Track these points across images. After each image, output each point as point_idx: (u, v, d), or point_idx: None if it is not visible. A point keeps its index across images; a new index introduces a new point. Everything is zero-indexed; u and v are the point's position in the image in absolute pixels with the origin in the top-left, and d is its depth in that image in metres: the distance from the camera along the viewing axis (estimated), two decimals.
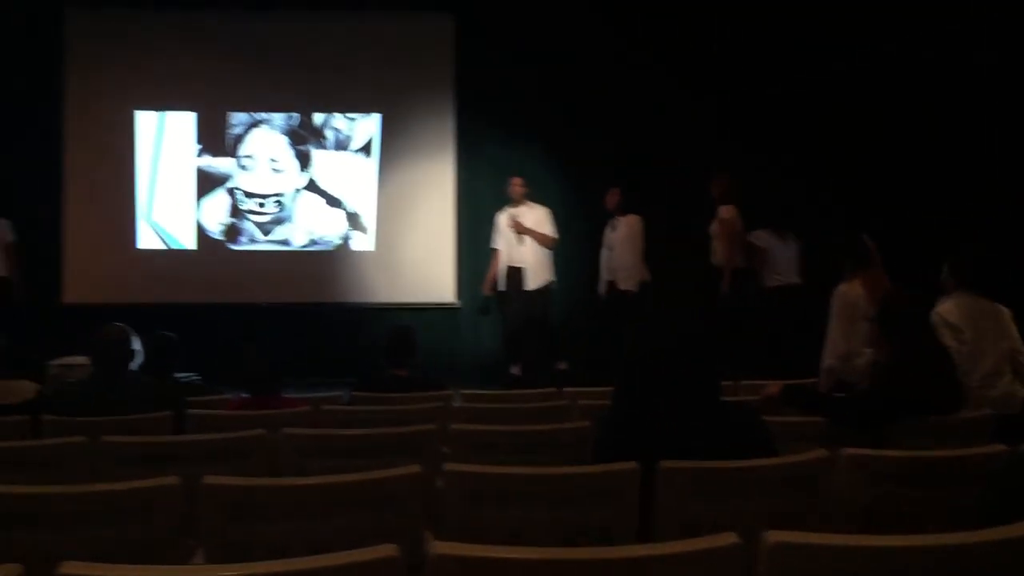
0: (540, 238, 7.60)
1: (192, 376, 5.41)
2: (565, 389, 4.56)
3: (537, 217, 7.66)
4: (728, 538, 1.58)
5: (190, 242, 8.32)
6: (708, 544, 1.58)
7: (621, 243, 7.51)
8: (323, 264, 8.39)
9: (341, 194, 8.39)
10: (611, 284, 7.59)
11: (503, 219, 7.69)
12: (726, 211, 7.33)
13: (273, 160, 8.35)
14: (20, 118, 8.06)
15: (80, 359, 6.50)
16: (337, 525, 2.14)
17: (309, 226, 8.37)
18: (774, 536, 1.60)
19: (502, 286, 7.73)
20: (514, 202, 7.67)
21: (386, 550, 1.48)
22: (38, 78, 8.12)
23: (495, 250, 7.77)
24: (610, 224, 7.65)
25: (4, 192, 7.69)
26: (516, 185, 7.65)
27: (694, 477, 2.30)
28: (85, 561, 1.50)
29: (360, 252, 8.43)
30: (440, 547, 1.54)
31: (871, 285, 4.70)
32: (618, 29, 8.26)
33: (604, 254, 7.68)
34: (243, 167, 8.33)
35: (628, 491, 2.31)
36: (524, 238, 7.60)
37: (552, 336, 7.67)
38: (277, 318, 8.08)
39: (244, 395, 4.10)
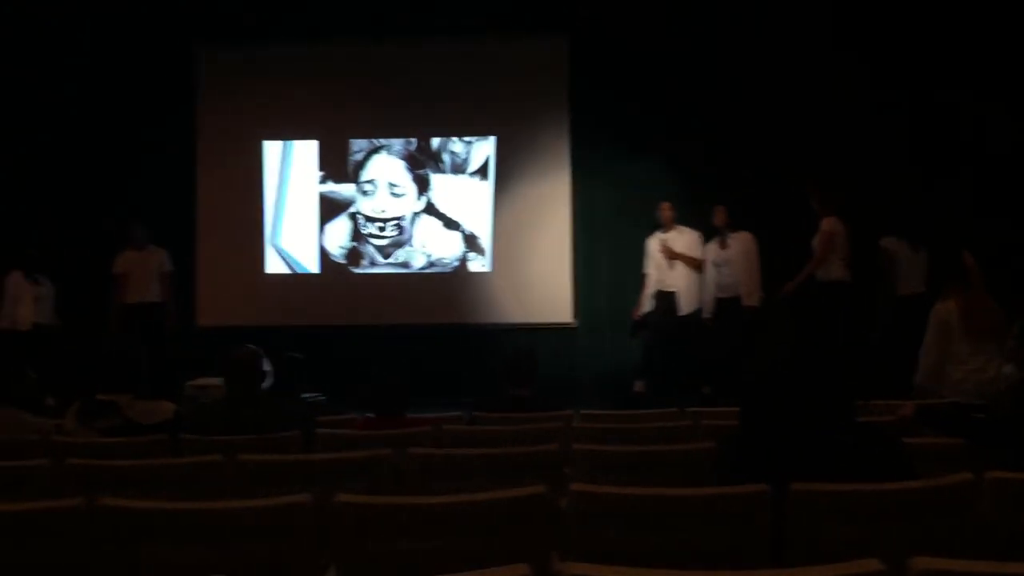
0: (690, 262, 7.64)
1: (317, 396, 5.57)
2: (687, 409, 4.49)
3: (687, 241, 7.71)
4: (871, 564, 1.52)
5: (314, 266, 8.59)
6: (850, 570, 1.52)
7: (737, 260, 7.46)
8: (441, 286, 8.52)
9: (458, 216, 8.52)
10: (722, 301, 7.54)
11: (653, 244, 7.75)
12: (827, 223, 7.11)
13: (392, 185, 8.55)
14: (155, 151, 8.51)
15: (213, 380, 6.78)
16: (465, 544, 2.15)
17: (428, 248, 8.52)
18: (921, 563, 1.53)
19: (648, 308, 7.80)
20: (664, 227, 7.74)
21: (519, 570, 1.48)
22: (171, 113, 8.55)
23: (646, 275, 7.83)
24: (718, 241, 7.61)
25: (143, 220, 8.13)
26: (665, 210, 7.73)
27: (829, 499, 2.22)
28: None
29: (477, 273, 8.52)
30: (572, 568, 1.54)
31: (964, 305, 4.56)
32: (731, 46, 8.16)
33: (711, 272, 7.62)
34: (364, 192, 8.56)
35: (758, 513, 2.24)
36: (675, 263, 7.65)
37: (697, 360, 7.63)
38: (397, 339, 8.23)
39: (369, 415, 4.18)
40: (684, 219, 8.08)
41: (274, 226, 8.61)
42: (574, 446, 3.27)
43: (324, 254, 8.58)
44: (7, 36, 8.30)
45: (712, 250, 7.64)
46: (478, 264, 8.52)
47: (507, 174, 8.49)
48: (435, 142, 8.56)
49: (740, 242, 7.50)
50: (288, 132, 8.62)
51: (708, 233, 7.79)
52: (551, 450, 3.24)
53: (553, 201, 8.46)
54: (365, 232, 8.54)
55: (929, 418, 3.34)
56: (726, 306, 7.54)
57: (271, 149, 8.62)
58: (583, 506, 2.28)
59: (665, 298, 7.68)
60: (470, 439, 3.68)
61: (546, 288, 8.43)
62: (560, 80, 8.46)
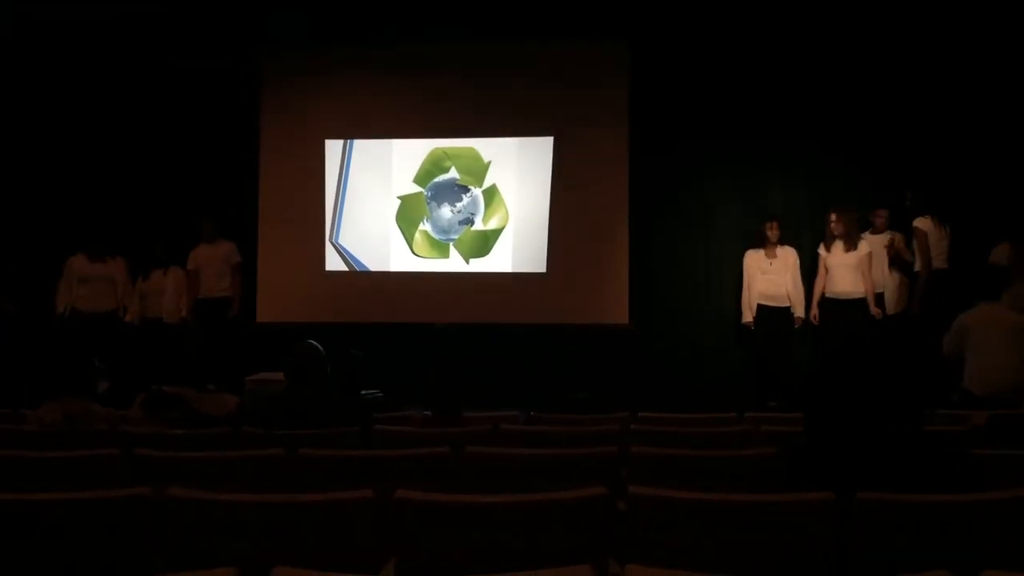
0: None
1: (376, 393, 5.61)
2: (747, 414, 4.44)
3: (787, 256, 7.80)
4: None
5: (374, 264, 8.67)
6: None
7: (783, 272, 7.68)
8: (498, 285, 8.53)
9: (516, 217, 8.53)
10: (767, 309, 7.70)
11: (751, 258, 7.81)
12: (920, 222, 7.20)
13: (453, 185, 8.59)
14: (221, 151, 8.70)
15: (273, 375, 6.89)
16: (524, 543, 2.15)
17: (486, 248, 8.55)
18: None
19: (748, 317, 7.83)
20: (770, 244, 7.77)
21: (581, 571, 1.48)
22: (235, 116, 8.69)
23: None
24: (768, 253, 7.76)
25: (210, 217, 8.32)
26: (774, 228, 7.77)
27: (895, 509, 2.17)
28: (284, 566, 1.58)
29: (534, 274, 8.51)
30: (631, 571, 1.53)
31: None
32: (790, 52, 8.10)
33: (760, 279, 7.74)
34: (425, 192, 8.61)
35: (822, 522, 2.21)
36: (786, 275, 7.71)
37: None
38: (455, 338, 8.28)
39: (427, 413, 4.21)
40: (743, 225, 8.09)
41: (334, 224, 8.71)
42: (632, 449, 3.25)
43: (384, 252, 8.65)
44: (87, 43, 8.54)
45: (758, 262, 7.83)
46: (535, 265, 8.51)
47: (565, 176, 8.46)
48: (494, 142, 8.57)
49: (788, 255, 7.74)
50: (349, 131, 8.71)
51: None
52: (609, 452, 3.22)
53: (610, 204, 8.40)
54: (423, 230, 8.60)
55: (1002, 429, 3.24)
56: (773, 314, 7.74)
57: (332, 148, 8.72)
58: (642, 509, 2.27)
59: (775, 312, 7.73)
60: (527, 439, 3.69)
61: (602, 289, 8.40)
62: (620, 84, 8.41)
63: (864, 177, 8.03)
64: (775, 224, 7.71)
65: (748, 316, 7.76)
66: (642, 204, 8.41)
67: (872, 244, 7.49)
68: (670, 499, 2.26)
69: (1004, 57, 7.58)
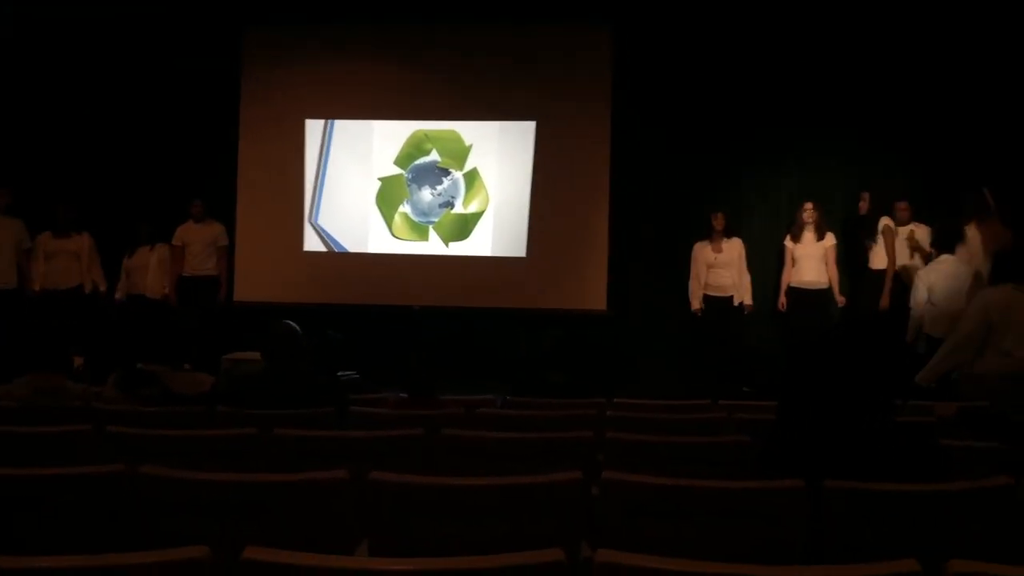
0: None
1: (352, 374, 5.60)
2: (721, 402, 4.47)
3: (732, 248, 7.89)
4: (909, 565, 1.51)
5: (352, 245, 8.64)
6: (889, 570, 1.51)
7: (728, 263, 7.81)
8: (477, 269, 8.53)
9: (495, 200, 8.52)
10: (712, 299, 7.86)
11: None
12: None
13: (431, 167, 8.56)
14: (200, 128, 8.62)
15: (249, 354, 6.87)
16: (496, 526, 2.16)
17: (465, 232, 8.53)
18: (958, 566, 1.51)
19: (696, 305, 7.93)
20: (716, 234, 7.88)
21: (553, 554, 1.49)
22: (216, 91, 8.64)
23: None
24: (712, 246, 7.85)
25: (186, 195, 8.25)
26: (719, 219, 7.85)
27: (864, 498, 2.20)
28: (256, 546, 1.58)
29: (513, 258, 8.52)
30: (604, 555, 1.54)
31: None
32: (775, 35, 8.11)
33: (703, 271, 7.85)
34: (404, 173, 8.58)
35: (793, 509, 2.23)
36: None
37: None
38: (432, 321, 8.28)
39: (402, 395, 4.21)
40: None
41: (314, 204, 8.66)
42: (607, 434, 3.27)
43: (363, 234, 8.62)
44: (69, 23, 8.45)
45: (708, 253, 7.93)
46: (514, 248, 8.51)
47: (546, 160, 8.46)
48: (475, 125, 8.55)
49: (733, 247, 7.84)
50: (330, 111, 8.66)
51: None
52: (585, 437, 3.23)
53: (591, 188, 8.43)
54: (403, 212, 8.57)
55: (970, 420, 3.29)
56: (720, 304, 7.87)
57: (313, 128, 8.66)
58: (615, 494, 2.28)
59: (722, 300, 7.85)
60: (503, 423, 3.70)
61: (581, 274, 8.42)
62: (602, 68, 8.42)
63: (854, 165, 8.10)
64: (720, 215, 7.80)
65: (695, 304, 7.87)
66: (623, 189, 8.42)
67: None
68: (642, 484, 2.28)
69: None
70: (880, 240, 7.40)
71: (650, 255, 8.36)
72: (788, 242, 7.70)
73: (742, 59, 8.16)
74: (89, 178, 8.55)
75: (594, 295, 8.41)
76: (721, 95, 8.22)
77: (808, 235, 7.57)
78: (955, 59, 7.76)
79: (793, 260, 7.65)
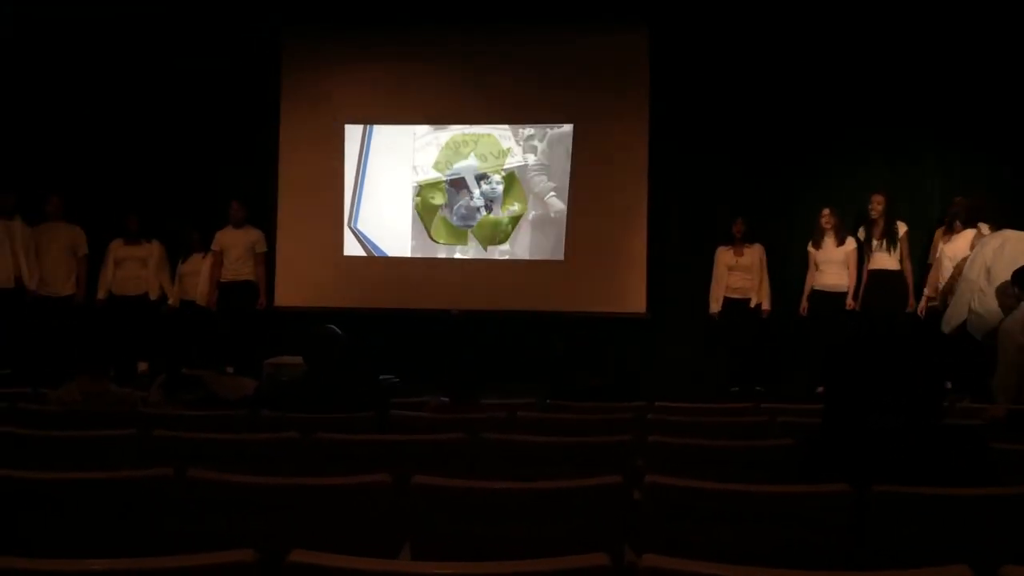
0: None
1: (392, 378, 5.62)
2: (762, 405, 4.42)
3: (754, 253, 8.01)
4: (961, 571, 1.48)
5: (392, 250, 8.68)
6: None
7: (749, 268, 7.93)
8: (515, 273, 8.53)
9: (533, 204, 8.52)
10: (730, 301, 7.97)
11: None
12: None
13: (470, 171, 8.58)
14: (242, 134, 8.73)
15: (291, 359, 6.93)
16: (539, 530, 2.16)
17: (502, 236, 8.54)
18: (1012, 572, 1.48)
19: (715, 308, 8.05)
20: (737, 241, 7.98)
21: (597, 558, 1.48)
22: (257, 98, 8.73)
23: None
24: (735, 250, 7.98)
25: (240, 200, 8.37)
26: (739, 226, 7.97)
27: (912, 502, 2.16)
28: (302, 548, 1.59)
29: (552, 262, 8.51)
30: (649, 560, 1.53)
31: None
32: (813, 41, 8.05)
33: (724, 274, 7.97)
34: (443, 178, 8.61)
35: (839, 513, 2.20)
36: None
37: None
38: (472, 324, 8.29)
39: (443, 399, 4.22)
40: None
41: (353, 209, 8.72)
42: (648, 438, 3.25)
43: (402, 238, 8.65)
44: (113, 35, 8.60)
45: (729, 256, 8.03)
46: (552, 252, 8.51)
47: (584, 163, 8.45)
48: (513, 130, 8.56)
49: (752, 253, 7.96)
50: (370, 116, 8.71)
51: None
52: (625, 441, 3.22)
53: (629, 191, 8.39)
54: (442, 216, 8.60)
55: (1021, 422, 3.22)
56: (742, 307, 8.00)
57: (352, 133, 8.73)
58: (658, 498, 2.26)
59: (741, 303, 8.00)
60: (544, 426, 3.69)
61: (620, 277, 8.39)
62: (640, 71, 8.39)
63: (896, 168, 7.99)
64: (740, 221, 7.92)
65: (715, 307, 8.00)
66: (661, 191, 8.38)
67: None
68: (686, 489, 2.26)
69: None
70: (900, 245, 7.45)
71: (689, 258, 8.31)
72: (810, 247, 7.78)
73: (780, 60, 8.10)
74: (135, 185, 8.69)
75: (633, 298, 8.37)
76: (760, 96, 8.16)
77: (829, 240, 7.67)
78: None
79: (816, 265, 7.72)
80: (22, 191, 8.16)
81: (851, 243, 7.63)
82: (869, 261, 7.53)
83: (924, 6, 7.75)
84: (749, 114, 8.19)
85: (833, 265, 7.64)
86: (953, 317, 5.68)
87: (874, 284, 7.48)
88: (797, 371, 7.72)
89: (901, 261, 7.46)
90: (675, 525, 2.25)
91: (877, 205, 7.47)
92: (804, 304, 7.77)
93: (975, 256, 5.79)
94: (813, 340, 7.62)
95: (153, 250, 8.32)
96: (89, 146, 8.71)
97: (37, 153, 8.57)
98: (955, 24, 7.72)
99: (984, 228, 6.61)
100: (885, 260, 7.45)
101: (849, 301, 7.60)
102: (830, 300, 7.63)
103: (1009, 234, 5.66)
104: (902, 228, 7.49)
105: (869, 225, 7.53)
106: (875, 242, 7.47)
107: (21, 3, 8.33)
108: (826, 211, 7.66)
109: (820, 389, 7.06)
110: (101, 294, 8.29)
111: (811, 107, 8.09)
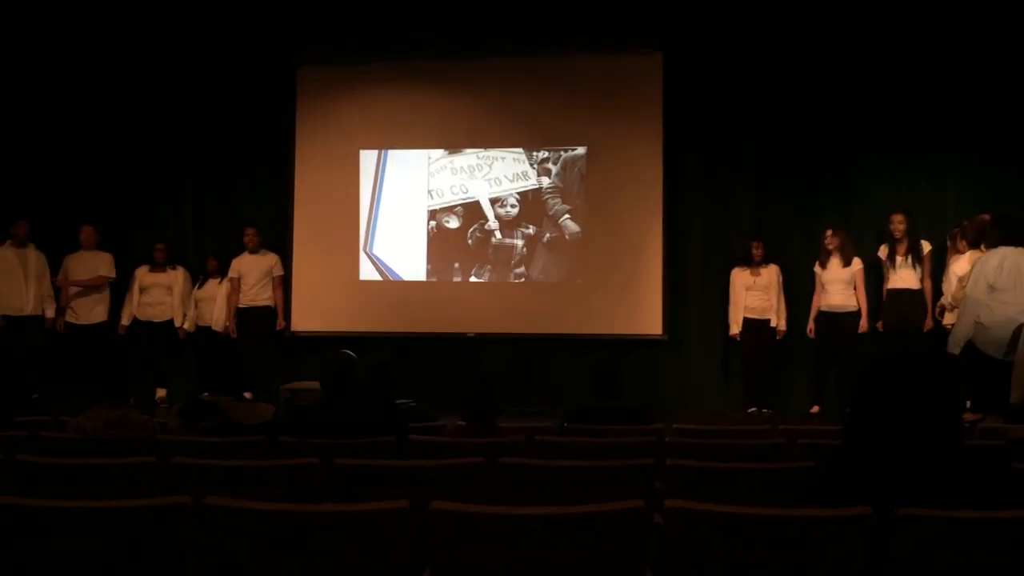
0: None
1: (408, 402, 5.63)
2: (782, 427, 4.40)
3: (770, 273, 8.04)
4: None
5: (407, 274, 8.71)
6: None
7: (767, 288, 7.96)
8: (531, 295, 8.54)
9: (548, 227, 8.54)
10: (749, 321, 7.97)
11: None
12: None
13: (484, 195, 8.61)
14: (258, 160, 8.83)
15: (308, 384, 6.97)
16: (560, 555, 2.15)
17: (518, 259, 8.56)
18: None
19: (735, 330, 8.06)
20: (754, 262, 8.03)
21: None
22: (273, 124, 8.82)
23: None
24: (751, 270, 8.00)
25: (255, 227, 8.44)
26: (758, 248, 8.04)
27: (936, 525, 2.13)
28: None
29: (568, 284, 8.51)
30: None
31: None
32: (825, 60, 8.06)
33: (741, 294, 8.00)
34: (456, 202, 8.64)
35: (861, 537, 2.18)
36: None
37: None
38: (488, 347, 8.30)
39: (460, 422, 4.21)
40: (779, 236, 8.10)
41: (368, 233, 8.76)
42: (668, 461, 3.23)
43: (417, 262, 8.68)
44: (123, 55, 8.70)
45: (744, 277, 8.05)
46: (567, 274, 8.51)
47: (599, 185, 8.47)
48: (527, 153, 8.59)
49: (769, 273, 7.97)
50: (383, 141, 8.77)
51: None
52: (644, 464, 3.20)
53: (645, 213, 8.40)
54: (457, 240, 8.62)
55: None
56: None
57: (367, 158, 8.78)
58: (680, 523, 2.25)
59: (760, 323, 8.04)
60: (562, 450, 3.68)
61: (636, 299, 8.38)
62: (654, 92, 8.41)
63: (912, 191, 8.00)
64: (760, 244, 7.96)
65: (735, 329, 7.99)
66: (677, 213, 8.39)
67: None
68: (707, 513, 2.24)
69: None
70: (924, 263, 7.43)
71: (706, 278, 8.30)
72: (817, 268, 7.80)
73: (793, 83, 8.12)
74: (154, 214, 8.79)
75: (650, 320, 8.36)
76: (774, 116, 8.18)
77: (834, 261, 7.67)
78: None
79: (822, 285, 7.74)
80: (49, 219, 8.25)
81: (857, 263, 7.64)
82: (890, 279, 7.49)
83: (943, 28, 7.74)
84: (763, 134, 8.23)
85: (839, 285, 7.64)
86: (959, 336, 5.74)
87: (896, 302, 7.44)
88: (806, 392, 7.87)
89: (922, 280, 7.42)
90: (697, 550, 2.23)
91: (899, 224, 7.43)
92: (811, 326, 7.78)
93: (976, 276, 5.85)
94: (818, 361, 7.77)
95: (178, 277, 8.42)
96: (108, 176, 8.83)
97: (62, 183, 8.67)
98: (973, 43, 7.72)
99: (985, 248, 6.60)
100: (908, 278, 7.40)
101: (863, 323, 7.58)
102: (836, 320, 7.64)
103: (1007, 251, 5.76)
104: (927, 247, 7.45)
105: (893, 243, 7.48)
106: (899, 259, 7.43)
107: (41, 27, 8.44)
108: (828, 232, 7.68)
109: (815, 409, 7.19)
110: (125, 320, 8.37)
111: (826, 127, 8.10)
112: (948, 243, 7.36)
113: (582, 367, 6.81)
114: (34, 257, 8.10)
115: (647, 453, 3.41)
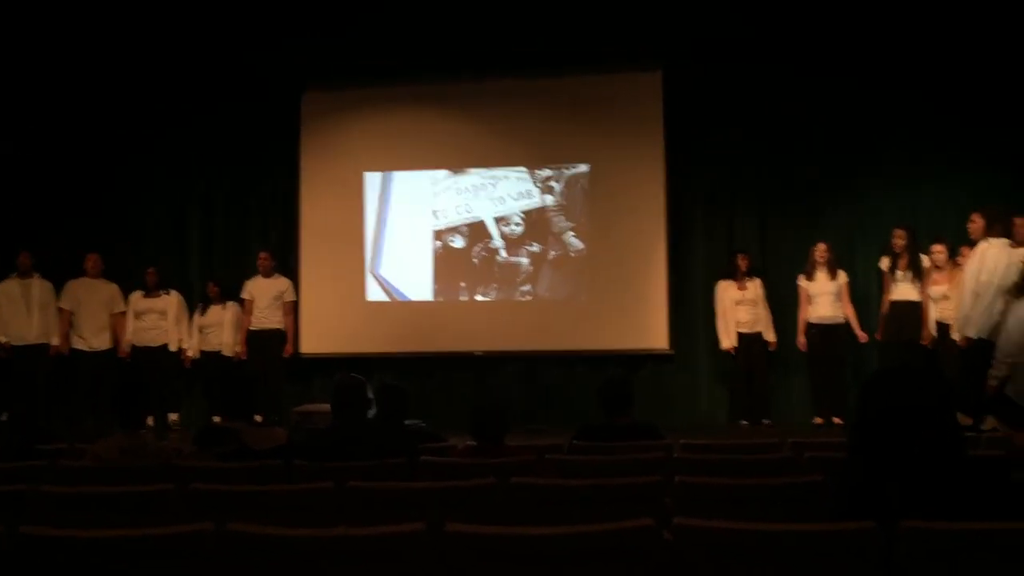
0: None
1: (418, 423, 5.67)
2: (790, 440, 4.44)
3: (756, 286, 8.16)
4: None
5: (414, 294, 8.77)
6: None
7: (755, 301, 8.07)
8: (537, 313, 8.59)
9: (553, 245, 8.60)
10: (743, 336, 8.05)
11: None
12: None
13: (488, 214, 8.68)
14: (262, 184, 8.92)
15: (318, 406, 7.01)
16: (575, 574, 2.20)
17: (523, 277, 8.62)
18: None
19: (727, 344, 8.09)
20: (740, 275, 8.11)
21: None
22: (277, 148, 8.92)
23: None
24: (738, 284, 8.10)
25: (250, 252, 8.52)
26: (745, 260, 8.13)
27: (942, 538, 2.18)
28: None
29: (573, 301, 8.57)
30: None
31: None
32: (824, 77, 8.13)
33: (730, 308, 8.06)
34: (459, 222, 8.71)
35: (867, 551, 2.22)
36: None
37: None
38: (495, 366, 8.35)
39: (469, 442, 4.26)
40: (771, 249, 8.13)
41: (375, 254, 8.83)
42: (676, 478, 3.27)
43: (424, 282, 8.75)
44: (128, 82, 8.79)
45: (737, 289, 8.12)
46: (572, 291, 8.57)
47: (602, 203, 8.53)
48: (531, 172, 8.66)
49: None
50: (387, 163, 8.86)
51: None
52: (653, 482, 3.25)
53: (648, 231, 8.46)
54: (462, 260, 8.69)
55: None
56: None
57: (371, 180, 8.86)
58: (689, 540, 2.29)
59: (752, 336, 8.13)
60: (572, 468, 3.72)
61: (641, 315, 8.43)
62: (655, 113, 8.49)
63: (912, 203, 8.09)
64: (746, 256, 8.08)
65: (727, 343, 8.07)
66: (679, 229, 8.45)
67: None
68: (716, 529, 2.29)
69: None
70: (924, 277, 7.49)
71: (709, 292, 8.33)
72: (802, 281, 7.91)
73: (792, 100, 8.19)
74: (152, 239, 8.87)
75: (656, 335, 8.40)
76: (774, 132, 8.26)
77: (821, 273, 7.82)
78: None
79: (808, 297, 7.84)
80: (57, 248, 8.32)
81: (843, 275, 7.81)
82: (891, 292, 7.56)
83: (943, 46, 7.78)
84: (765, 151, 8.30)
85: (827, 296, 7.79)
86: (981, 323, 6.12)
87: (896, 314, 7.51)
88: (800, 403, 7.97)
89: (921, 293, 7.48)
90: (707, 566, 2.28)
91: (899, 239, 7.52)
92: (801, 339, 7.87)
93: (968, 266, 6.39)
94: (813, 372, 7.88)
95: (172, 301, 8.42)
96: (113, 203, 8.91)
97: (66, 210, 8.76)
98: (974, 61, 7.76)
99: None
100: (908, 291, 7.47)
101: (860, 333, 7.71)
102: (827, 332, 7.77)
103: (993, 241, 6.27)
104: (926, 261, 7.52)
105: (894, 257, 7.56)
106: (899, 272, 7.50)
107: (43, 54, 8.53)
108: (822, 245, 7.82)
109: (817, 420, 7.27)
110: (126, 346, 8.40)
111: (828, 143, 8.18)
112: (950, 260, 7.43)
113: (590, 383, 6.88)
114: (38, 287, 8.18)
115: (656, 470, 3.45)
